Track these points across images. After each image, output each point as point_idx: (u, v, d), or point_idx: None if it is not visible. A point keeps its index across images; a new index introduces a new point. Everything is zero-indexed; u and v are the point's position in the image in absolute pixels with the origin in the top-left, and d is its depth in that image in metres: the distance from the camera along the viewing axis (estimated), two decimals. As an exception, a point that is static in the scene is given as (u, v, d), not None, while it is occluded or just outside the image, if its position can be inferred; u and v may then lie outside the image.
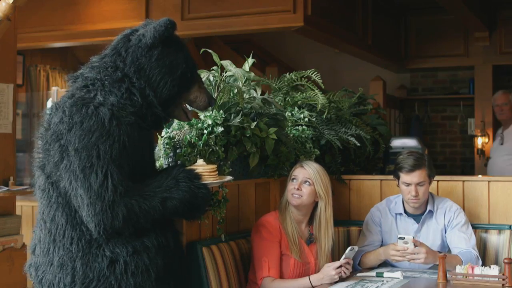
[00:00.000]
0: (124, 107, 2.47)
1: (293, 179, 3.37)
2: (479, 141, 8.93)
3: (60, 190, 2.46)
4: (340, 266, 3.20)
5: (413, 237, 3.40)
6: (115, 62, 2.54)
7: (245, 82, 3.34)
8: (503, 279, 3.07)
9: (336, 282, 3.20)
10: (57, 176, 2.46)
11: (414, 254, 3.34)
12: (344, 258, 3.22)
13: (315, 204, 3.38)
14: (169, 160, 3.20)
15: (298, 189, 3.32)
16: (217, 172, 2.76)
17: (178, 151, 3.14)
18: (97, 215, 2.38)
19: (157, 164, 3.27)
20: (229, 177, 2.91)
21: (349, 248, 3.25)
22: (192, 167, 2.68)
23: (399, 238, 3.38)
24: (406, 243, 3.35)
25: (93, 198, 2.37)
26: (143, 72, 2.53)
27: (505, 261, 3.09)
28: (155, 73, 2.53)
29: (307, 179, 3.33)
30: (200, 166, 2.72)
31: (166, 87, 2.55)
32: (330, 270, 3.20)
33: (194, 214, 2.74)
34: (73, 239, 2.46)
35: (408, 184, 3.57)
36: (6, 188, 3.80)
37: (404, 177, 3.58)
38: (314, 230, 3.41)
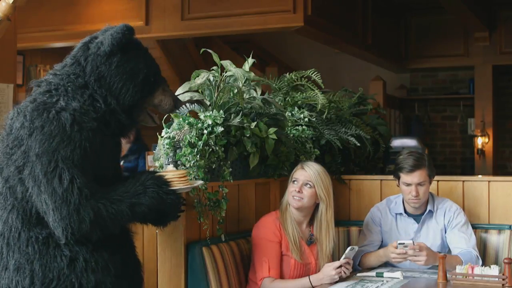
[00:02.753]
0: (86, 113, 2.46)
1: (294, 181, 3.36)
2: (479, 141, 8.95)
3: (17, 195, 2.44)
4: (340, 266, 3.20)
5: (413, 243, 3.38)
6: (75, 71, 2.53)
7: (245, 82, 3.34)
8: (503, 279, 3.07)
9: (336, 282, 3.20)
10: (15, 181, 2.43)
11: (415, 256, 3.34)
12: (344, 258, 3.22)
13: (316, 205, 3.38)
14: (169, 160, 3.20)
15: (299, 191, 3.31)
16: (187, 178, 2.76)
17: (178, 151, 3.15)
18: (63, 219, 2.36)
19: (157, 164, 3.27)
20: (199, 182, 2.93)
21: (349, 248, 3.25)
22: (162, 173, 2.68)
23: (399, 244, 3.38)
24: (406, 247, 3.35)
25: (58, 202, 2.35)
26: (104, 80, 2.52)
27: (505, 261, 3.09)
28: (116, 81, 2.52)
29: (308, 182, 3.32)
30: (170, 172, 2.72)
31: (128, 93, 2.54)
32: (330, 270, 3.20)
33: (163, 220, 2.76)
34: (28, 241, 2.43)
35: (409, 184, 3.57)
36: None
37: (405, 177, 3.57)
38: (315, 232, 3.40)
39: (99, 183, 2.47)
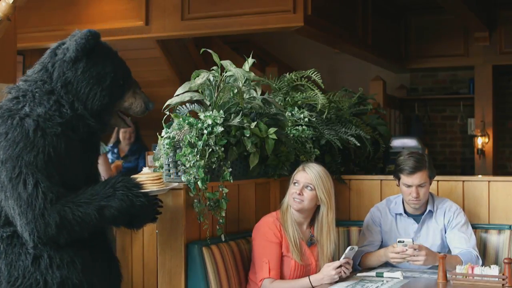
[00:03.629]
0: (51, 118, 2.50)
1: (295, 183, 3.35)
2: (479, 141, 8.94)
3: None
4: (340, 266, 3.20)
5: (413, 241, 3.38)
6: (42, 78, 2.57)
7: (245, 82, 3.34)
8: (503, 279, 3.07)
9: (336, 282, 3.20)
10: None
11: (414, 256, 3.34)
12: (344, 258, 3.22)
13: (318, 206, 3.37)
14: (169, 160, 3.20)
15: (299, 193, 3.31)
16: (162, 180, 2.77)
17: (178, 151, 3.15)
18: (29, 223, 2.41)
19: (157, 164, 3.27)
20: (174, 184, 2.95)
21: (348, 248, 3.25)
22: (135, 176, 2.70)
23: (398, 242, 3.38)
24: (405, 246, 3.34)
25: (24, 207, 2.41)
26: (71, 86, 2.55)
27: (505, 261, 3.09)
28: (82, 86, 2.55)
29: (308, 184, 3.31)
30: (144, 174, 2.73)
31: (96, 98, 2.57)
32: (330, 270, 3.20)
33: (136, 223, 2.77)
34: None
35: (409, 186, 3.56)
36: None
37: (405, 179, 3.57)
38: (316, 233, 3.39)
39: (70, 187, 2.51)
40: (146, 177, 2.70)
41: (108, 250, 2.75)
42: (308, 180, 3.31)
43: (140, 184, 2.63)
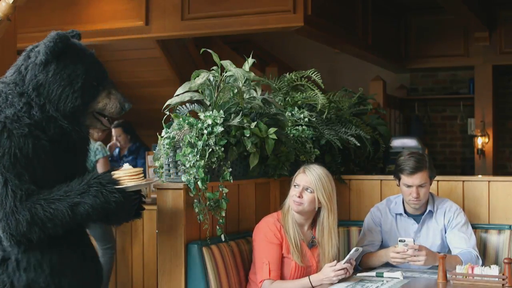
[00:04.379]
0: (19, 119, 2.54)
1: (295, 185, 3.34)
2: (479, 141, 8.94)
3: None
4: (342, 268, 3.19)
5: (414, 240, 3.38)
6: (16, 80, 2.62)
7: (245, 82, 3.34)
8: (503, 279, 3.07)
9: (336, 282, 3.20)
10: None
11: (414, 256, 3.34)
12: (348, 259, 3.21)
13: (319, 208, 3.36)
14: (169, 160, 3.20)
15: (299, 196, 3.30)
16: (141, 175, 2.74)
17: (178, 151, 3.15)
18: (0, 221, 2.47)
19: (157, 164, 3.27)
20: (155, 179, 2.97)
21: (354, 249, 3.25)
22: (113, 172, 2.69)
23: (399, 241, 3.38)
24: (406, 245, 3.35)
25: None
26: (43, 88, 2.58)
27: (505, 261, 3.09)
28: (54, 88, 2.58)
29: (308, 187, 3.30)
30: (122, 170, 2.72)
31: (68, 100, 2.60)
32: (329, 271, 3.19)
33: (113, 219, 2.77)
34: None
35: (409, 186, 3.56)
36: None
37: (405, 179, 3.57)
38: (317, 235, 3.38)
39: (46, 186, 2.53)
40: (124, 173, 2.68)
41: (82, 252, 2.74)
42: (308, 182, 3.30)
43: (115, 180, 2.63)
